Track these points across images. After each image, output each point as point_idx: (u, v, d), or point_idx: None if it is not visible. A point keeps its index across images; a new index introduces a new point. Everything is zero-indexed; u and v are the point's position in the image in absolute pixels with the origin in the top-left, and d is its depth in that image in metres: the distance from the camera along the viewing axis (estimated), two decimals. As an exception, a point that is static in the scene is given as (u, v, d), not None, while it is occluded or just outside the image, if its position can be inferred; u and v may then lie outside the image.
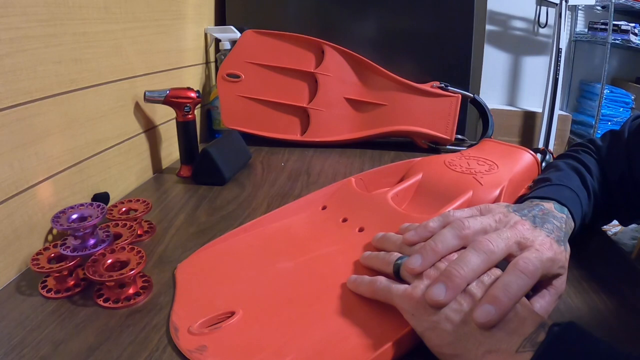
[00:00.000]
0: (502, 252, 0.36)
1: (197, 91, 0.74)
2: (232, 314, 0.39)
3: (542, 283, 0.38)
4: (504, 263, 0.36)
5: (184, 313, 0.40)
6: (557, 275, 0.39)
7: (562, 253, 0.39)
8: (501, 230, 0.39)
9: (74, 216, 0.46)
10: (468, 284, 0.34)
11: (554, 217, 0.42)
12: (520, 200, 0.51)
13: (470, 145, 0.91)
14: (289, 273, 0.45)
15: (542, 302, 0.38)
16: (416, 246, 0.41)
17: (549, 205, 0.44)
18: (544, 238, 0.39)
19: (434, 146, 0.97)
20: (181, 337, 0.37)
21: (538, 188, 0.50)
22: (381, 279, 0.39)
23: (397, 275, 0.39)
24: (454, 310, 0.33)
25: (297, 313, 0.39)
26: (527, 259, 0.35)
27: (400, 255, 0.41)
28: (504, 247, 0.37)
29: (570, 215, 0.45)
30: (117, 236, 0.50)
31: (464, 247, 0.38)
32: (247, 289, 0.43)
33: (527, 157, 0.63)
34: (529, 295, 0.38)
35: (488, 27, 2.63)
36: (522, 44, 2.71)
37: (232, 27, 1.00)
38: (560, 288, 0.39)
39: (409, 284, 0.37)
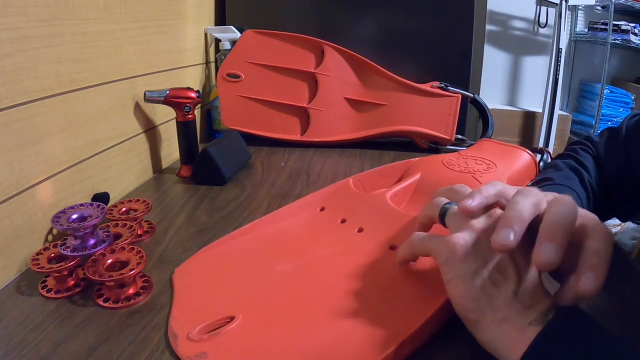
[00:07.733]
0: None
1: (197, 91, 0.74)
2: (232, 318, 0.38)
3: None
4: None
5: (182, 318, 0.39)
6: None
7: None
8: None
9: (74, 216, 0.47)
10: None
11: None
12: None
13: (470, 146, 0.91)
14: (289, 276, 0.45)
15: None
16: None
17: None
18: None
19: (434, 146, 0.97)
20: (180, 344, 0.36)
21: (542, 187, 0.50)
22: (415, 233, 0.39)
23: (442, 219, 0.39)
24: (490, 269, 0.33)
25: (298, 316, 0.39)
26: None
27: (448, 200, 0.40)
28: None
29: None
30: (117, 236, 0.50)
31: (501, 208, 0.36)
32: (246, 292, 0.43)
33: (525, 157, 0.63)
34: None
35: (488, 27, 2.62)
36: (522, 44, 2.71)
37: (232, 27, 1.00)
38: None
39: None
